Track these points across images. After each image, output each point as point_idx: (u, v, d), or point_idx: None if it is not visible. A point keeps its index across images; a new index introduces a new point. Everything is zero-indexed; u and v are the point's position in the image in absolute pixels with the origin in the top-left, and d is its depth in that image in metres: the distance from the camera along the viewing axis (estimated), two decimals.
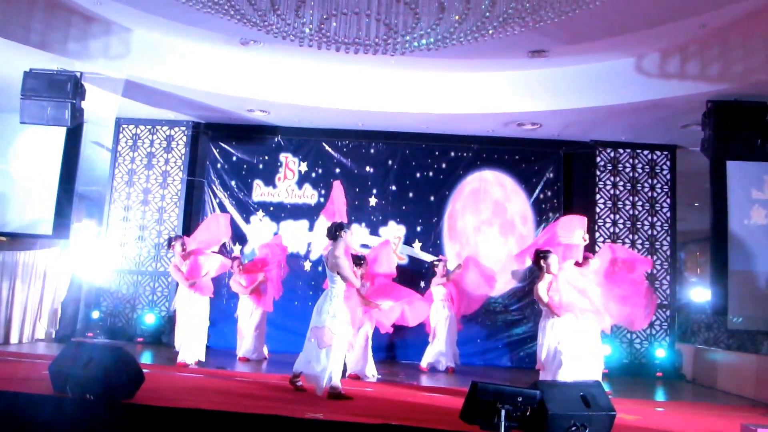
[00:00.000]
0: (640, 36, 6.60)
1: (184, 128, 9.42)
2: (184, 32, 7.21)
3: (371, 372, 6.78)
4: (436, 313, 7.87)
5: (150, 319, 8.81)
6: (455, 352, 8.01)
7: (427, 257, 9.01)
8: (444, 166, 9.33)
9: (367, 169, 9.38)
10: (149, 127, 9.44)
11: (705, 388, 7.88)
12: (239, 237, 9.17)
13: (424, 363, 7.89)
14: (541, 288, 5.75)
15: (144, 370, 4.84)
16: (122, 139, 9.44)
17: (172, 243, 7.19)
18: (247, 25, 4.79)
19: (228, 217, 8.14)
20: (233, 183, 9.39)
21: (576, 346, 5.67)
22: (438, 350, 7.85)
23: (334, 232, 5.43)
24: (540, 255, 5.93)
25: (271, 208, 9.36)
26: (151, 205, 9.29)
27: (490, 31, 4.51)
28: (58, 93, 7.19)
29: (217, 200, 9.30)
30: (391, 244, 7.53)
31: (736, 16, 6.03)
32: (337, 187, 6.40)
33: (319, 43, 4.61)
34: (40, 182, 8.40)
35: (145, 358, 7.58)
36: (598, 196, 9.01)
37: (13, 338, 8.20)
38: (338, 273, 5.30)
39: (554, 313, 5.63)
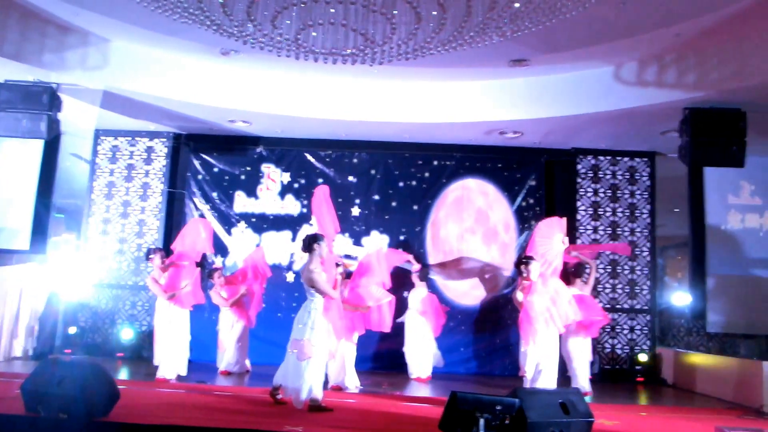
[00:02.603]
0: (618, 45, 6.70)
1: (164, 139, 9.34)
2: (164, 42, 7.16)
3: (353, 383, 6.72)
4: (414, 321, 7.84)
5: (127, 334, 8.67)
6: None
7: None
8: (427, 174, 9.34)
9: (350, 178, 9.37)
10: (129, 138, 9.34)
11: (685, 392, 7.94)
12: (221, 248, 9.08)
13: (425, 374, 7.84)
14: (519, 293, 5.77)
15: (122, 387, 4.75)
16: (101, 151, 9.33)
17: (151, 255, 7.09)
18: (224, 35, 4.77)
19: (207, 222, 8.04)
20: (215, 194, 9.31)
21: (557, 353, 5.68)
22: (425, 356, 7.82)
23: (309, 244, 5.36)
24: (522, 261, 5.96)
25: (253, 220, 9.30)
26: (130, 218, 9.18)
27: (468, 40, 4.54)
28: (33, 105, 7.11)
29: (199, 212, 9.21)
30: (382, 252, 7.47)
31: (710, 26, 6.14)
32: (317, 194, 6.04)
33: (297, 53, 4.60)
34: (17, 196, 8.25)
35: (125, 373, 7.44)
36: (579, 203, 9.08)
37: None
38: (312, 287, 5.25)
39: (530, 319, 5.63)
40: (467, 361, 8.94)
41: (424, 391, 7.12)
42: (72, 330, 8.73)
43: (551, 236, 6.12)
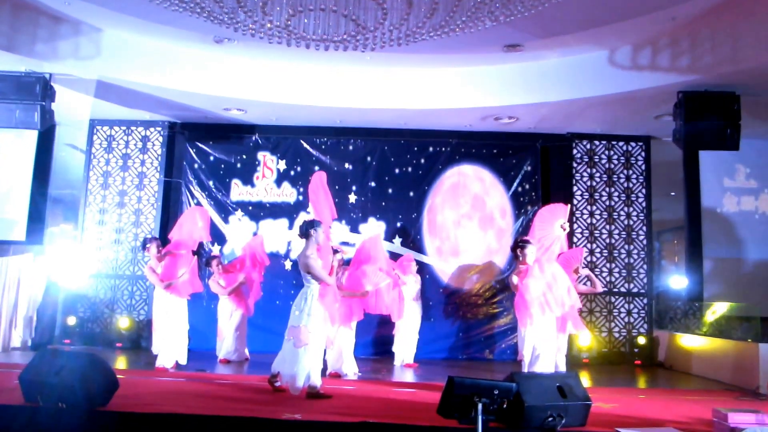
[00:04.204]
0: (613, 29, 6.67)
1: (159, 128, 9.31)
2: (156, 31, 7.11)
3: (351, 369, 6.75)
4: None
5: (125, 324, 8.70)
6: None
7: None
8: (423, 161, 9.33)
9: (346, 165, 9.36)
10: (124, 127, 9.32)
11: (682, 374, 8.00)
12: (218, 237, 9.09)
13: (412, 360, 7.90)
14: (515, 277, 5.77)
15: (121, 376, 4.78)
16: (96, 140, 9.31)
17: (147, 245, 7.10)
18: (215, 23, 4.74)
19: (204, 210, 8.05)
20: (211, 183, 9.30)
21: (554, 338, 5.69)
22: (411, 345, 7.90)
23: (305, 230, 5.37)
24: (518, 244, 5.94)
25: (250, 208, 9.30)
26: (127, 208, 9.18)
27: (460, 25, 4.51)
28: (26, 95, 7.08)
29: (195, 201, 9.20)
30: (380, 237, 7.46)
31: (704, 10, 6.12)
32: (314, 180, 6.00)
33: (288, 40, 4.57)
34: (13, 186, 8.23)
35: (124, 363, 7.48)
36: (575, 188, 9.09)
37: None
38: (308, 273, 5.27)
39: (525, 302, 5.64)
40: (466, 347, 8.99)
41: (420, 377, 7.16)
42: (71, 320, 8.75)
43: (551, 221, 6.09)
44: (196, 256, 7.30)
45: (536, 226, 6.17)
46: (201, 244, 8.27)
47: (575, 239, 8.86)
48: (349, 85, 8.11)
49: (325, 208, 5.79)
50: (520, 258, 5.83)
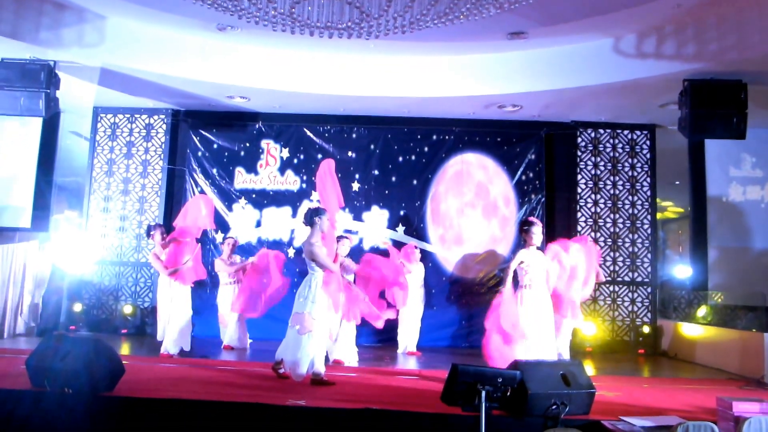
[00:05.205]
0: (617, 17, 6.60)
1: (163, 116, 9.31)
2: (160, 19, 7.08)
3: (352, 358, 6.79)
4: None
5: (129, 311, 8.76)
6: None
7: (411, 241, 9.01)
8: (426, 149, 9.31)
9: (350, 154, 9.35)
10: (128, 115, 9.32)
11: (686, 363, 8.01)
12: (221, 225, 9.12)
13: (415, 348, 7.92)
14: (518, 257, 5.76)
15: (126, 362, 4.82)
16: (100, 128, 9.32)
17: (152, 232, 7.15)
18: (219, 10, 4.72)
19: (208, 198, 8.08)
20: (214, 171, 9.31)
21: (542, 319, 5.69)
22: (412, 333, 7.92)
23: (310, 218, 5.39)
24: (524, 226, 5.93)
25: (254, 196, 9.31)
26: (131, 195, 9.20)
27: (464, 13, 4.49)
28: (31, 83, 7.07)
29: (199, 188, 9.22)
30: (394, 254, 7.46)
31: None
32: (322, 167, 5.91)
33: (292, 27, 4.56)
34: (18, 174, 8.27)
35: (129, 349, 7.55)
36: (579, 177, 9.07)
37: None
38: (313, 260, 5.29)
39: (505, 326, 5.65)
40: (469, 335, 9.01)
41: (423, 364, 7.20)
42: (77, 307, 8.82)
43: (591, 260, 6.07)
44: (199, 244, 7.33)
45: (579, 256, 6.03)
46: (205, 232, 8.31)
47: (579, 228, 8.86)
48: (352, 73, 8.07)
49: (332, 196, 5.79)
50: (525, 240, 5.82)
